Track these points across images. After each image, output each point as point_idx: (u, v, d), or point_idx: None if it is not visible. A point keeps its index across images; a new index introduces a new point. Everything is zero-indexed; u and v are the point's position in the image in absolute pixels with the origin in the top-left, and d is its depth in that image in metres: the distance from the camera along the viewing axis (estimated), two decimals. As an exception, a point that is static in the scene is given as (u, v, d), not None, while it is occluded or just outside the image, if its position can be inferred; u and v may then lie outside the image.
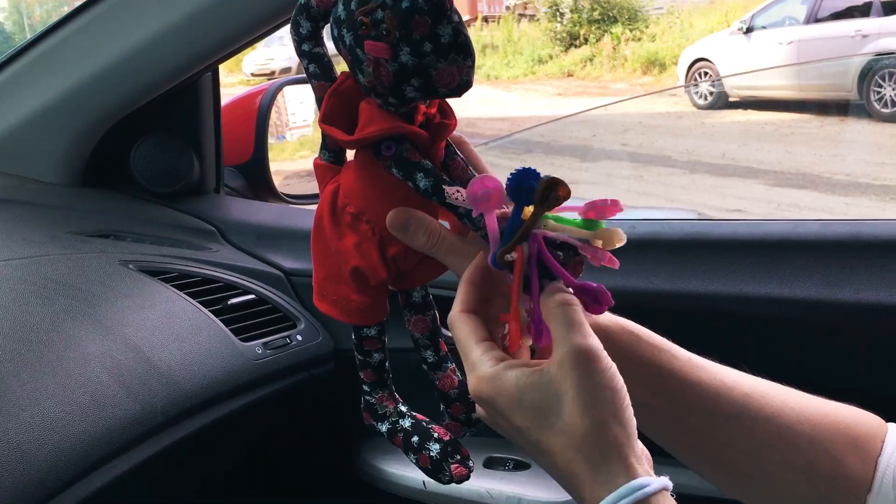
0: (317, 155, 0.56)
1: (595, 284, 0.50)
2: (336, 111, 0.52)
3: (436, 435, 0.57)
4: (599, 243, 0.49)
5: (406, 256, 0.54)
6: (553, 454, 0.47)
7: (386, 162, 0.51)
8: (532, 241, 0.49)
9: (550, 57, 13.29)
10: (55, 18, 1.10)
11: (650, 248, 1.00)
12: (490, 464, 1.11)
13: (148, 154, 1.19)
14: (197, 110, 1.20)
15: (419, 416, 0.60)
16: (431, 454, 0.56)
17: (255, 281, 1.09)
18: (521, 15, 15.49)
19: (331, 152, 0.56)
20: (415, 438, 0.57)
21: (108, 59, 1.07)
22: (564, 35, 13.63)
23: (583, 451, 0.45)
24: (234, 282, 1.06)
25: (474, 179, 0.49)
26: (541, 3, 15.06)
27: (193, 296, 0.98)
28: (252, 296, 1.05)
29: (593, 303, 0.50)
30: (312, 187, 1.57)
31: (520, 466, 1.09)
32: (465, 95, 0.49)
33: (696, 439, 0.58)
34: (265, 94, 1.34)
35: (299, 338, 1.05)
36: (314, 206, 0.57)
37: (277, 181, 1.41)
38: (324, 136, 0.55)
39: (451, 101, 0.54)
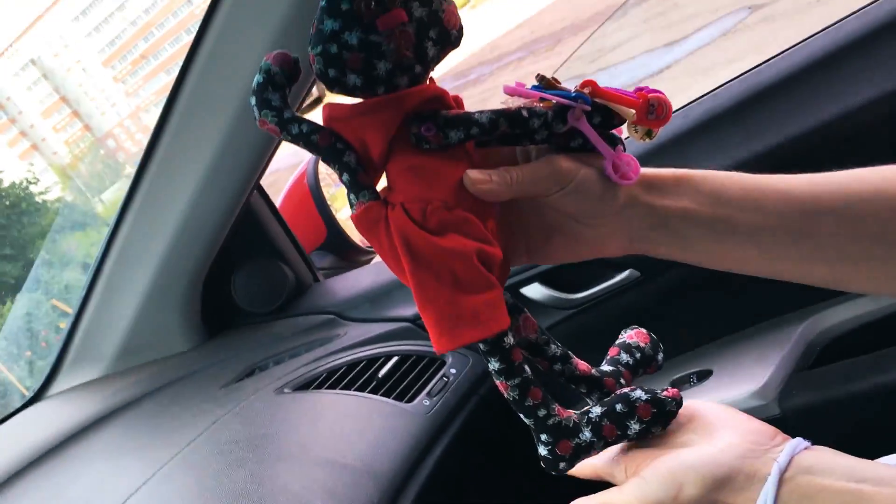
0: (350, 213, 0.51)
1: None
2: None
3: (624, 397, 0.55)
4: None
5: (498, 229, 0.54)
6: None
7: (435, 140, 0.50)
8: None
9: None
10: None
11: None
12: (676, 385, 1.12)
13: (244, 285, 1.26)
14: (261, 225, 1.27)
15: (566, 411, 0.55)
16: (654, 406, 0.54)
17: (390, 343, 1.14)
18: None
19: (368, 189, 0.51)
20: (622, 411, 0.54)
21: (175, 224, 1.14)
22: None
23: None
24: (374, 354, 1.11)
25: (504, 85, 0.52)
26: None
27: (347, 387, 1.04)
28: (395, 357, 1.11)
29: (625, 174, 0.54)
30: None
31: (702, 376, 1.10)
32: None
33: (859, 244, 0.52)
34: (308, 173, 1.39)
35: (453, 371, 1.09)
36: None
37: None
38: (353, 180, 0.50)
39: None
